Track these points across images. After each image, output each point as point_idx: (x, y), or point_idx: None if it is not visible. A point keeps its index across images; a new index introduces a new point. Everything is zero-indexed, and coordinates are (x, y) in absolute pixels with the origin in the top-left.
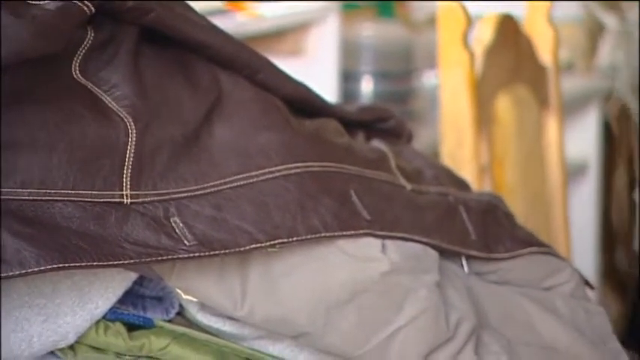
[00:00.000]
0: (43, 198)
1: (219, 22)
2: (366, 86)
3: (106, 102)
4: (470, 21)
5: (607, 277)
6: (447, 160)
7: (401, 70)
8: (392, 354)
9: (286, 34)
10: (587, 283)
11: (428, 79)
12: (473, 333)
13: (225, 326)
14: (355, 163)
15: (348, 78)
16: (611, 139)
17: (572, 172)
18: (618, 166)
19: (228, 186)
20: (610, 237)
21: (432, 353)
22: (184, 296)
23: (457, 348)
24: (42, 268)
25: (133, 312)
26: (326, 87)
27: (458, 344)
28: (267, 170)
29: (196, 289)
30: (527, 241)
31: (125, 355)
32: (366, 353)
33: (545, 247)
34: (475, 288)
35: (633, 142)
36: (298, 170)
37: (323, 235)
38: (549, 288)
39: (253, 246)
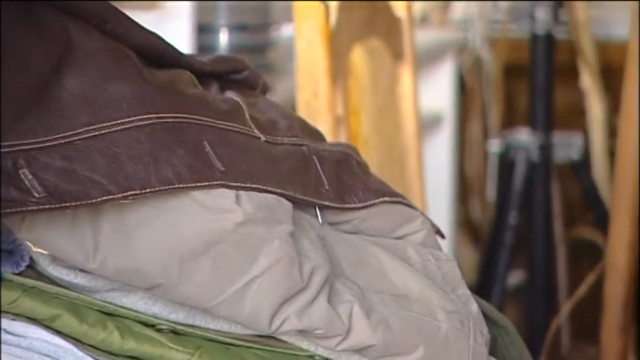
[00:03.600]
0: None
1: None
2: (223, 39)
3: None
4: None
5: (461, 227)
6: (303, 111)
7: (258, 23)
8: (246, 304)
9: None
10: (438, 232)
11: (285, 31)
12: (326, 282)
13: (77, 279)
14: (208, 114)
15: (204, 31)
16: (464, 91)
17: (427, 124)
18: (472, 117)
19: (79, 137)
20: (464, 187)
21: (285, 302)
22: (35, 249)
23: (311, 297)
24: None
25: None
26: (181, 41)
27: (312, 293)
28: (118, 121)
29: (47, 242)
30: (380, 191)
31: None
32: (220, 303)
33: (397, 197)
34: (329, 238)
35: (486, 94)
36: (150, 121)
37: (176, 186)
38: (401, 237)
39: (105, 198)
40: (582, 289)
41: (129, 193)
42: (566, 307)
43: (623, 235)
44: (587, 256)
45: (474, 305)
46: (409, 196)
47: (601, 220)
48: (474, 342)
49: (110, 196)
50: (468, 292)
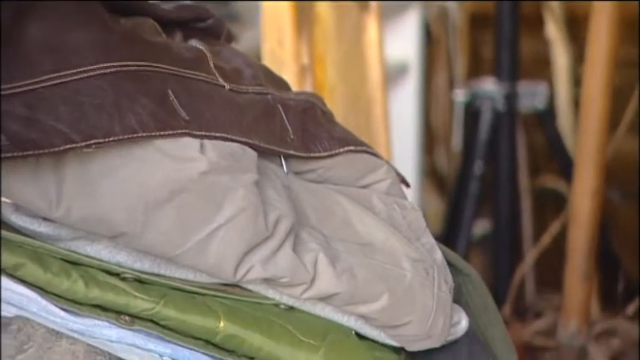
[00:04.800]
0: None
1: None
2: None
3: None
4: None
5: (427, 177)
6: (268, 60)
7: None
8: (211, 252)
9: None
10: (403, 180)
11: None
12: (291, 231)
13: (41, 227)
14: (173, 63)
15: None
16: (430, 41)
17: (393, 73)
18: (438, 67)
19: (42, 85)
20: (430, 137)
21: (250, 251)
22: None
23: (276, 246)
24: None
25: None
26: None
27: (277, 242)
28: (82, 69)
29: (10, 191)
30: (345, 140)
31: None
32: (185, 252)
33: (362, 146)
34: (294, 187)
35: (452, 43)
36: (114, 69)
37: (140, 135)
38: (366, 186)
39: (68, 146)
40: (546, 237)
41: (92, 141)
42: (530, 256)
43: (587, 184)
44: (552, 205)
45: (438, 253)
46: (374, 145)
47: (565, 169)
48: (438, 290)
49: (73, 145)
50: (432, 240)
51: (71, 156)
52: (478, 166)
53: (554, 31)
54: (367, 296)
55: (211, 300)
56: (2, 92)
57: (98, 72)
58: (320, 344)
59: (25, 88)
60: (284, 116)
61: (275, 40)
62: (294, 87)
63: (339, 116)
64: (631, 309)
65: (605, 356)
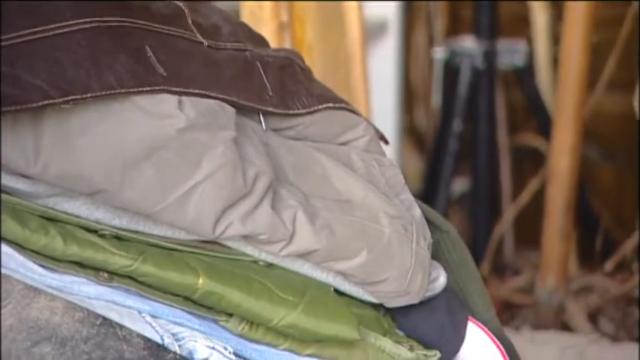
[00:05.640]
0: None
1: None
2: None
3: None
4: None
5: (406, 135)
6: (247, 17)
7: None
8: (189, 209)
9: None
10: (382, 137)
11: None
12: (270, 188)
13: (19, 184)
14: (150, 19)
15: None
16: None
17: (373, 31)
18: (417, 24)
19: (19, 41)
20: (409, 95)
21: (229, 208)
22: None
23: (254, 203)
24: None
25: None
26: None
27: (255, 199)
28: (59, 25)
29: None
30: (323, 97)
31: None
32: (164, 209)
33: (341, 103)
34: (273, 144)
35: (432, 1)
36: (92, 25)
37: (118, 91)
38: (345, 143)
39: (46, 102)
40: (525, 195)
41: (70, 97)
42: (509, 213)
43: (566, 142)
44: (531, 162)
45: (417, 210)
46: (354, 103)
47: (544, 126)
48: (417, 246)
49: (51, 101)
50: (411, 197)
51: (49, 112)
52: (457, 124)
53: None
54: (346, 253)
55: (190, 257)
56: None
57: (75, 27)
58: (299, 300)
59: (4, 44)
60: (262, 73)
61: None
62: (273, 44)
63: (318, 74)
64: (609, 265)
65: (582, 312)
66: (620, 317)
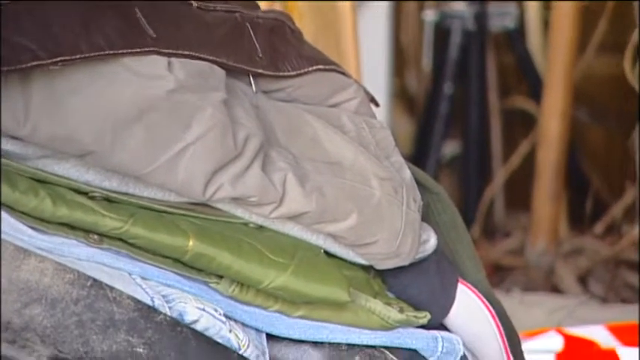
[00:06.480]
0: None
1: None
2: None
3: None
4: None
5: (397, 97)
6: None
7: None
8: (180, 171)
9: None
10: (372, 99)
11: None
12: (260, 150)
13: (8, 145)
14: None
15: None
16: None
17: None
18: None
19: (6, 2)
20: (400, 58)
21: (219, 170)
22: None
23: (244, 165)
24: None
25: None
26: None
27: (245, 161)
28: None
29: None
30: (313, 59)
31: None
32: (154, 170)
33: (331, 65)
34: (263, 106)
35: None
36: None
37: (107, 52)
38: (335, 105)
39: (35, 63)
40: (516, 158)
41: (58, 58)
42: (499, 176)
43: (556, 105)
44: (521, 125)
45: (407, 172)
46: (344, 65)
47: (535, 89)
48: (407, 208)
49: (40, 62)
50: (401, 159)
51: (38, 73)
52: (448, 87)
53: None
54: (336, 215)
55: (180, 219)
56: None
57: None
58: (289, 262)
59: None
60: (252, 35)
61: None
62: (263, 7)
63: (309, 36)
64: (599, 228)
65: (572, 275)
66: (610, 279)
